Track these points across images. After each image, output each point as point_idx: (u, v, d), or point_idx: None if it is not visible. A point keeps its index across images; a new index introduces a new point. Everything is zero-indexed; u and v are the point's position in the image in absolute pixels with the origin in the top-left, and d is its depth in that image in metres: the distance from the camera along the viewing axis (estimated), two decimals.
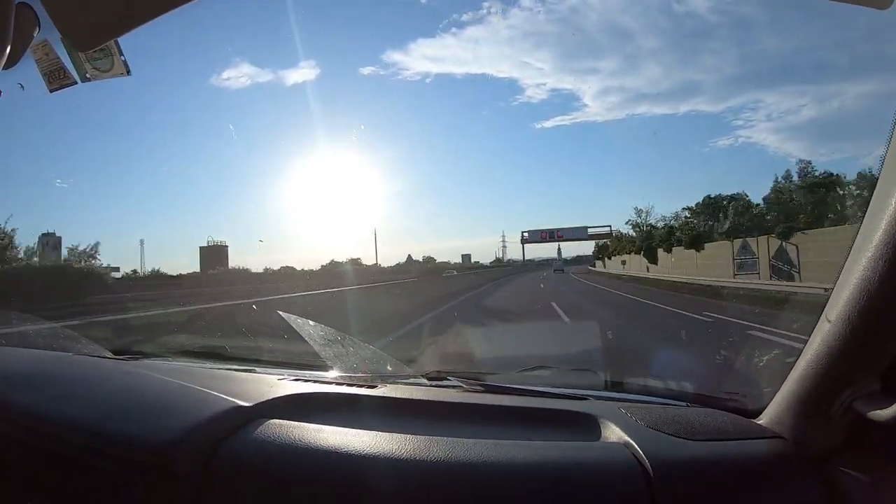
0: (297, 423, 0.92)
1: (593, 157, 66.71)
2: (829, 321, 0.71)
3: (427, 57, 61.13)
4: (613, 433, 0.88)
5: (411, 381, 1.28)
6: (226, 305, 7.14)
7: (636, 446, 0.80)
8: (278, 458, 0.83)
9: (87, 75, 1.09)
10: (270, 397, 1.02)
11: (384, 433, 0.86)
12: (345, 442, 0.84)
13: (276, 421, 0.92)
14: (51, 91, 1.10)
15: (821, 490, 0.77)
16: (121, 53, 1.05)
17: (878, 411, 0.67)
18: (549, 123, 63.33)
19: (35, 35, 0.86)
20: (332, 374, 1.30)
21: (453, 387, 1.20)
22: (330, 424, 0.90)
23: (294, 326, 1.50)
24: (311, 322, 1.51)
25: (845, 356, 0.70)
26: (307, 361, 1.42)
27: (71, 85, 1.11)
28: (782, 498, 0.78)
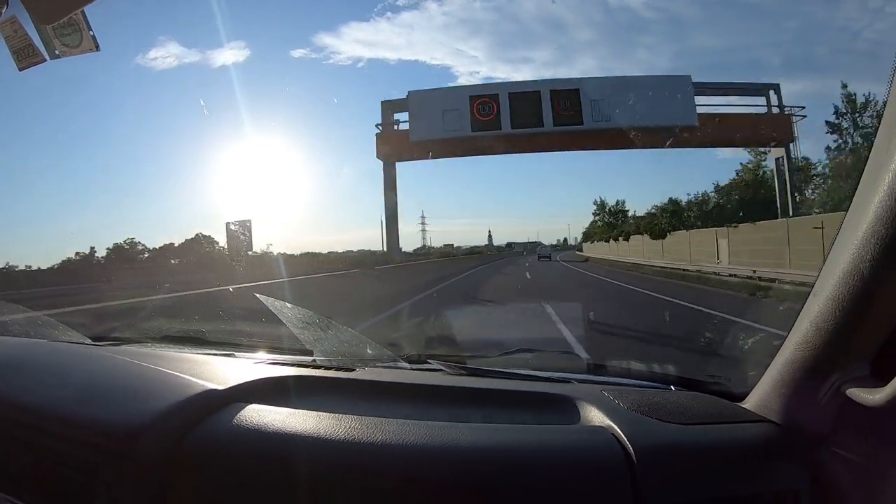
0: (271, 407, 0.90)
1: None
2: (817, 302, 0.70)
3: (360, 41, 59.64)
4: (596, 416, 0.86)
5: (391, 364, 1.26)
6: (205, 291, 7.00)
7: (618, 429, 0.79)
8: (250, 443, 0.81)
9: (57, 52, 1.07)
10: (245, 381, 1.00)
11: (360, 417, 0.84)
12: (318, 426, 0.82)
13: (250, 405, 0.90)
14: (20, 69, 1.08)
15: (809, 474, 0.76)
16: (89, 28, 1.02)
17: (868, 395, 0.67)
18: None
19: (3, 12, 0.85)
20: (311, 357, 1.29)
21: (434, 370, 1.19)
22: (306, 408, 0.89)
23: (272, 309, 1.50)
24: (288, 305, 1.51)
25: (834, 339, 0.69)
26: (286, 345, 1.40)
27: (40, 62, 1.09)
28: (769, 482, 0.77)
